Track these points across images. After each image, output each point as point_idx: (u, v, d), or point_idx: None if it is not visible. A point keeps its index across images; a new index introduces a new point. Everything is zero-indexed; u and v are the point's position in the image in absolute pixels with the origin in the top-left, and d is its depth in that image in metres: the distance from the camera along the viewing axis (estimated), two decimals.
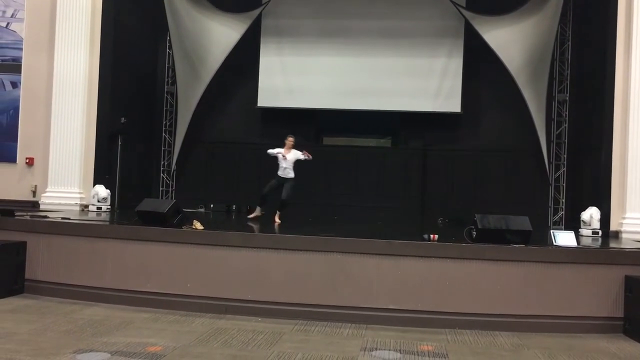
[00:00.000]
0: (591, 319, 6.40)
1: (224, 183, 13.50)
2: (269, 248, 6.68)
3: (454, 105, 12.74)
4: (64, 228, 7.31)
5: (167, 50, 13.65)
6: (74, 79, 10.91)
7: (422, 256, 6.50)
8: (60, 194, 10.79)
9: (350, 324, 6.28)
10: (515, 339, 6.01)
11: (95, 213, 10.22)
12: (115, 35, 11.49)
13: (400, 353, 5.36)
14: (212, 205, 13.22)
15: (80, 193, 10.92)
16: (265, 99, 13.35)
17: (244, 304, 6.57)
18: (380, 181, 13.15)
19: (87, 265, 7.01)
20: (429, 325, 6.30)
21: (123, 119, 12.18)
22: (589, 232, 9.41)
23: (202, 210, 12.98)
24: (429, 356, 5.31)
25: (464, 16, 12.39)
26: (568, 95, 12.55)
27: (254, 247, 6.70)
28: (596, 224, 9.49)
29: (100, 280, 6.94)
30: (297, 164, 10.03)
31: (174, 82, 13.53)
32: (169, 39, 13.26)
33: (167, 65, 13.81)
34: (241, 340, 5.58)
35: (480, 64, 12.75)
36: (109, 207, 10.74)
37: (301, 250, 6.62)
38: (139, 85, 13.15)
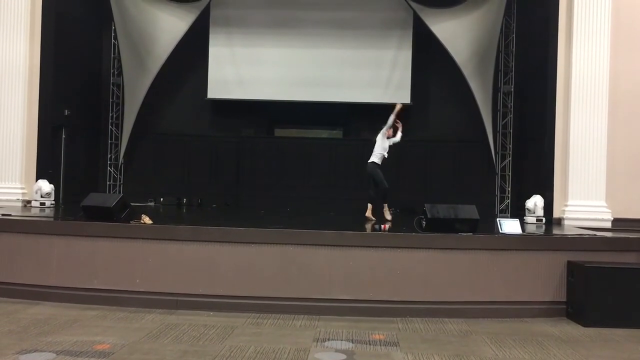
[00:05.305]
0: (536, 304, 6.62)
1: (174, 176, 13.26)
2: (220, 241, 6.61)
3: (403, 96, 12.86)
4: (5, 225, 7.04)
5: (113, 40, 13.24)
6: (13, 70, 10.46)
7: (373, 246, 6.57)
8: (1, 190, 10.36)
9: (303, 316, 6.29)
10: (464, 325, 6.15)
11: (38, 209, 9.87)
12: (57, 25, 11.04)
13: (353, 343, 5.41)
14: (162, 199, 12.99)
15: (22, 188, 10.52)
16: (216, 90, 13.17)
17: (195, 298, 6.50)
18: (332, 172, 13.20)
19: (30, 263, 6.78)
20: (381, 314, 6.38)
21: (67, 111, 11.82)
22: (534, 220, 9.72)
23: (152, 204, 12.75)
24: (380, 345, 5.38)
25: (412, 8, 12.53)
26: (513, 86, 12.88)
27: (205, 241, 6.62)
28: (540, 212, 9.81)
29: (45, 278, 6.73)
30: None
31: (120, 73, 13.17)
32: (114, 29, 12.87)
33: (112, 55, 13.40)
34: (192, 335, 5.51)
35: (429, 56, 12.94)
36: (53, 202, 10.41)
37: (253, 242, 6.58)
38: (84, 76, 12.72)
